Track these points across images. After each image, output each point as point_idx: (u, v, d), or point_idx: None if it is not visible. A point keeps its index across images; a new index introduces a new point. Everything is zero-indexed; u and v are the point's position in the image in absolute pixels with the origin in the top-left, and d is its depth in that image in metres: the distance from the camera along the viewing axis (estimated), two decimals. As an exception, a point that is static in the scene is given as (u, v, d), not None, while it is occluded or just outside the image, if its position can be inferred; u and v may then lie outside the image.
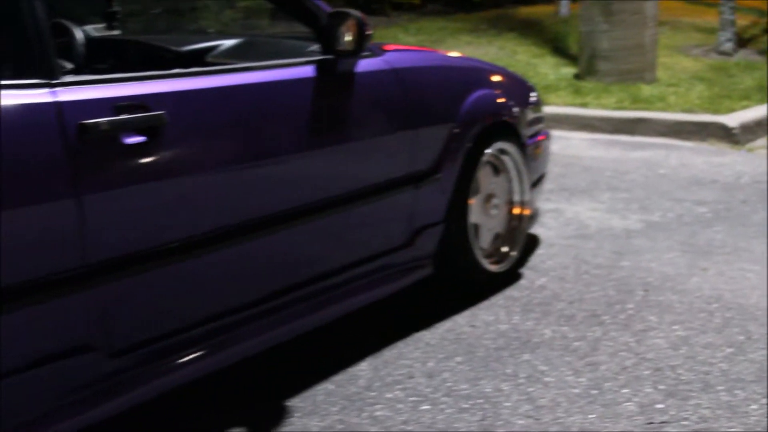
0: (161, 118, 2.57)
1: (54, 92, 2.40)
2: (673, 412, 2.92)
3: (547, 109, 4.56)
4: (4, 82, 2.34)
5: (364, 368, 3.25)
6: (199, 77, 2.84)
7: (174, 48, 3.77)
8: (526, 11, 13.37)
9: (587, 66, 9.16)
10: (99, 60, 3.71)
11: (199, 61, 3.61)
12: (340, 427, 2.86)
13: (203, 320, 2.83)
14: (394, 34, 11.67)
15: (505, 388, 3.11)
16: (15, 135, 2.29)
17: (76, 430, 2.52)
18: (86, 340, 2.50)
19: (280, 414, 2.92)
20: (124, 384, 2.61)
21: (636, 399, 3.01)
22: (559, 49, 10.76)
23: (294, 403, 3.00)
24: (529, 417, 2.91)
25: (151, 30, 5.46)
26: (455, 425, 2.87)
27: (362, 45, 3.18)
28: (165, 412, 2.94)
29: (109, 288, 2.52)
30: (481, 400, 3.02)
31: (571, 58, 10.08)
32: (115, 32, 4.16)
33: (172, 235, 2.66)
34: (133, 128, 2.52)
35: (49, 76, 2.41)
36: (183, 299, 2.77)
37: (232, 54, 3.70)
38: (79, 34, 3.71)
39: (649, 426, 2.85)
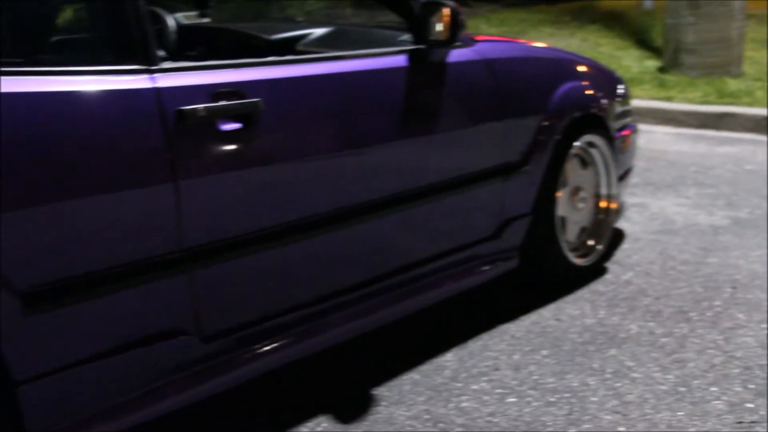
0: (257, 106, 2.58)
1: (153, 78, 2.42)
2: (762, 412, 2.87)
3: (631, 102, 4.51)
4: (105, 68, 2.38)
5: (449, 359, 3.25)
6: (294, 65, 2.85)
7: (264, 36, 3.79)
8: (609, 3, 13.22)
9: (672, 59, 9.04)
10: (189, 47, 3.74)
11: (289, 49, 3.63)
12: (426, 417, 2.86)
13: (292, 307, 2.85)
14: (475, 24, 11.61)
15: (591, 382, 3.08)
16: (115, 120, 2.33)
17: (167, 412, 2.56)
18: (179, 324, 2.53)
19: (367, 403, 2.93)
20: (215, 368, 2.64)
21: (725, 398, 2.97)
22: (642, 41, 10.63)
23: (380, 392, 3.00)
24: (616, 413, 2.89)
25: (239, 18, 5.49)
26: (542, 419, 2.86)
27: (455, 35, 3.17)
28: (252, 397, 2.96)
29: (203, 273, 2.54)
30: (567, 394, 3.00)
31: (655, 51, 9.96)
32: (206, 20, 4.19)
33: (264, 222, 2.68)
34: (230, 115, 2.54)
35: (148, 62, 2.44)
36: (273, 286, 2.79)
37: (323, 43, 3.71)
38: (171, 21, 3.74)
39: (738, 425, 2.81)
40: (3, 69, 2.19)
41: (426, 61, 3.21)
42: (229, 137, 2.54)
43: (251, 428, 2.83)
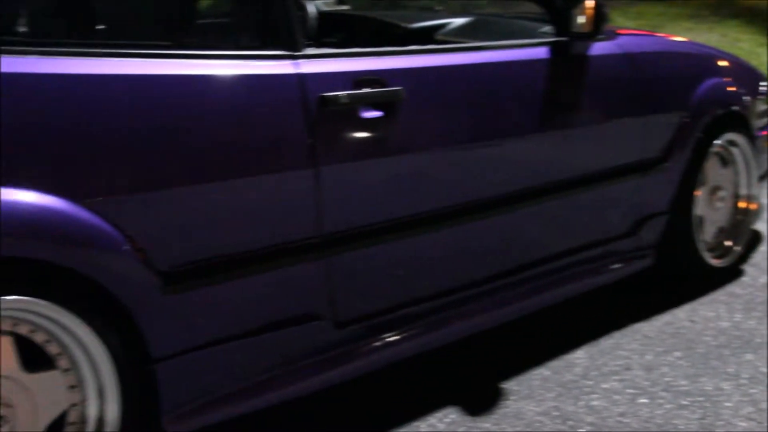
0: (398, 94, 2.58)
1: (297, 64, 2.44)
2: None
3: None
4: (250, 53, 2.41)
5: (580, 356, 3.21)
6: (435, 54, 2.85)
7: (403, 24, 3.79)
8: (750, -2, 12.90)
9: (815, 57, 8.77)
10: (328, 34, 3.76)
11: (428, 38, 3.62)
12: (555, 413, 2.82)
13: (424, 297, 2.85)
14: (612, 18, 11.42)
15: (726, 387, 3.01)
16: (258, 104, 2.35)
17: (297, 396, 2.58)
18: (314, 309, 2.55)
19: (496, 396, 2.91)
20: (347, 355, 2.65)
21: None
22: (785, 38, 10.34)
23: (510, 386, 2.98)
24: (751, 419, 2.81)
25: (376, 6, 5.51)
26: (674, 422, 2.80)
27: (598, 28, 3.12)
28: (381, 386, 2.96)
29: (339, 259, 2.56)
30: (701, 398, 2.93)
31: (797, 48, 9.67)
32: (344, 7, 4.21)
33: (401, 211, 2.68)
34: (371, 102, 2.54)
35: (292, 48, 2.46)
36: (407, 275, 2.79)
37: (462, 33, 3.69)
38: (311, 8, 3.76)
39: None
40: (152, 52, 2.24)
41: (568, 54, 3.17)
42: (370, 125, 2.54)
43: (379, 416, 2.83)
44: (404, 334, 2.78)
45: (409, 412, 2.82)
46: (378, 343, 2.73)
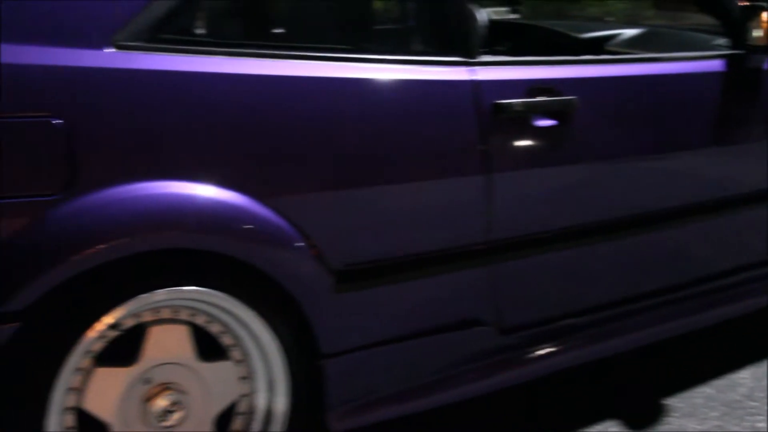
0: (573, 103, 2.57)
1: (472, 70, 2.46)
2: None
3: None
4: (427, 58, 2.44)
5: (745, 377, 3.14)
6: (608, 65, 2.83)
7: (573, 34, 3.77)
8: None
9: None
10: (497, 43, 3.77)
11: (598, 48, 3.59)
12: (718, 433, 2.78)
13: (590, 308, 2.83)
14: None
15: None
16: (434, 109, 2.39)
17: (457, 400, 2.59)
18: (478, 314, 2.56)
19: (658, 412, 2.87)
20: (509, 362, 2.65)
21: None
22: None
23: (672, 402, 2.93)
24: None
25: (542, 16, 5.50)
26: (843, 448, 2.72)
27: (776, 41, 3.05)
28: (540, 394, 2.96)
29: (506, 266, 2.56)
30: None
31: None
32: (514, 16, 4.21)
33: (569, 220, 2.67)
34: (545, 111, 2.54)
35: (467, 54, 2.49)
36: (572, 285, 2.77)
37: (633, 44, 3.66)
38: (482, 16, 3.77)
39: None
40: (332, 55, 2.29)
41: (743, 67, 3.10)
42: (543, 133, 2.54)
43: (538, 425, 2.83)
44: (566, 345, 2.76)
45: (568, 422, 2.81)
46: (540, 352, 2.71)
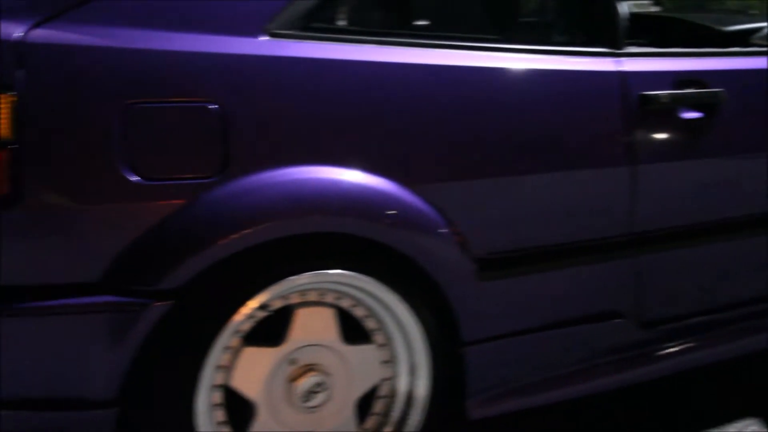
0: (720, 96, 2.54)
1: (618, 62, 2.45)
2: None
3: None
4: (573, 49, 2.44)
5: None
6: (757, 57, 2.79)
7: (716, 27, 3.70)
8: None
9: None
10: (638, 35, 3.73)
11: (742, 41, 3.52)
12: None
13: (731, 304, 2.78)
14: None
15: None
16: (581, 100, 2.39)
17: (594, 393, 2.58)
18: (618, 306, 2.54)
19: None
20: (647, 356, 2.63)
21: None
22: None
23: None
24: None
25: (684, 9, 5.41)
26: None
27: None
28: (679, 389, 2.93)
29: (649, 259, 2.54)
30: None
31: None
32: (655, 9, 4.16)
33: (714, 214, 2.64)
34: (692, 103, 2.52)
35: (614, 45, 2.48)
36: (715, 280, 2.73)
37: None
38: (623, 8, 3.74)
39: None
40: (478, 45, 2.31)
41: None
42: (689, 126, 2.52)
43: (677, 419, 2.80)
44: (708, 341, 2.73)
45: (706, 418, 2.78)
46: (679, 347, 2.68)
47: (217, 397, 2.12)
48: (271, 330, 2.15)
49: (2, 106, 1.84)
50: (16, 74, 1.84)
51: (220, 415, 2.14)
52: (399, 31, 2.31)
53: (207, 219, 1.96)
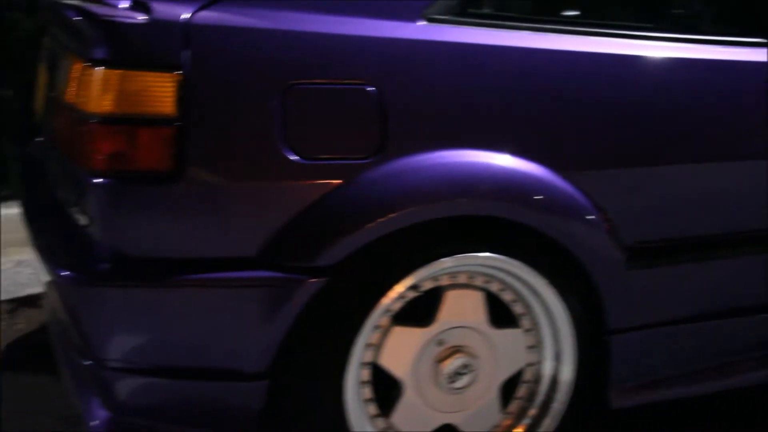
0: None
1: (773, 52, 2.42)
2: None
3: None
4: (729, 39, 2.41)
5: None
6: None
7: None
8: None
9: None
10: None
11: None
12: None
13: None
14: None
15: None
16: (735, 90, 2.36)
17: (735, 388, 2.56)
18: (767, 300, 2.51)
19: None
20: None
21: None
22: None
23: None
24: None
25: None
26: None
27: None
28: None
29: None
30: None
31: None
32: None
33: None
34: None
35: (768, 35, 2.44)
36: None
37: None
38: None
39: None
40: (633, 33, 2.30)
41: None
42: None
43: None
44: None
45: None
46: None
47: (366, 374, 2.16)
48: (419, 310, 2.18)
49: (169, 84, 1.90)
50: (182, 54, 1.90)
51: (368, 392, 2.18)
52: (555, 18, 2.31)
53: (362, 199, 1.99)
